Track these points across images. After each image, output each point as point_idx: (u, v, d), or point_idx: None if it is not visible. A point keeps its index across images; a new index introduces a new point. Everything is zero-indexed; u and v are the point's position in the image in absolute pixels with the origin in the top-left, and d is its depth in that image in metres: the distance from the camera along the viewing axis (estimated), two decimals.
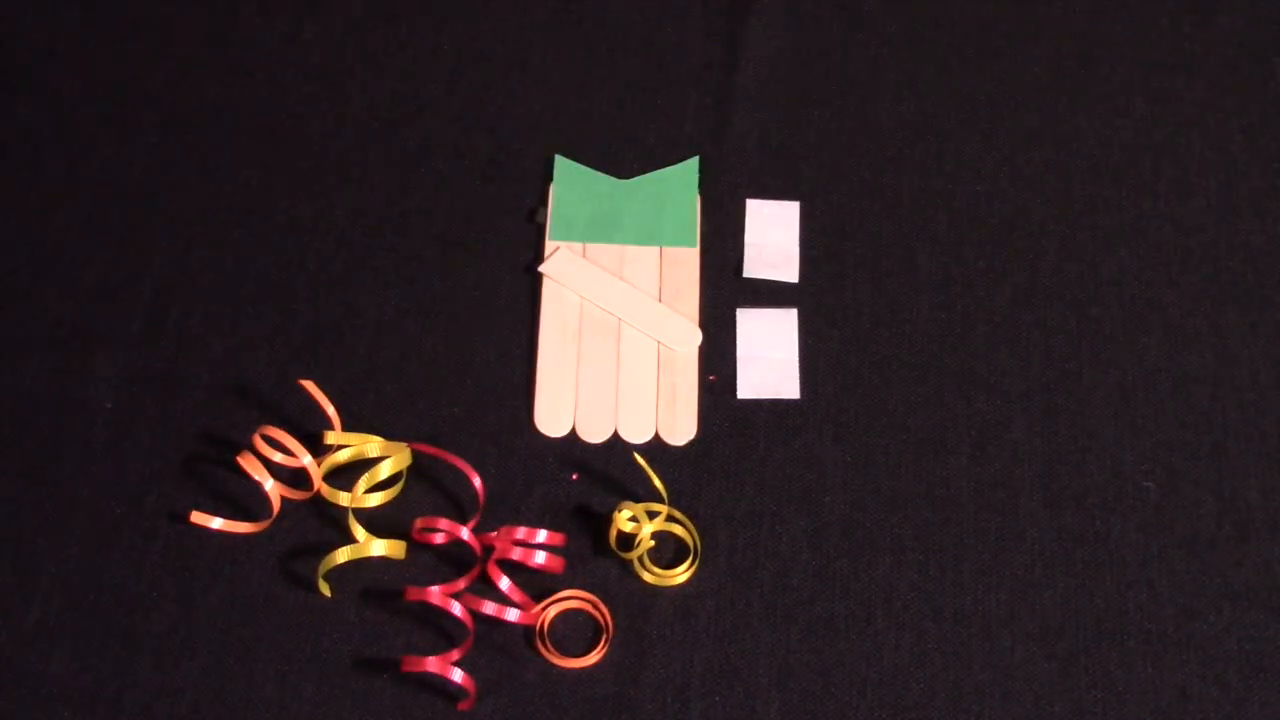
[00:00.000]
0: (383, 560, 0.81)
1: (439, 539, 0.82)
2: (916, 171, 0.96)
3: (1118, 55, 1.01)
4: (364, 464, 0.83)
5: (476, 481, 0.82)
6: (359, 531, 0.81)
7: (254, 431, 0.83)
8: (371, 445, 0.84)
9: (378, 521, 0.83)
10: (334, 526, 0.83)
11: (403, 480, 0.84)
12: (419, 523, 0.82)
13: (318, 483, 0.83)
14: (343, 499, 0.82)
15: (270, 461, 0.83)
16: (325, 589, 0.80)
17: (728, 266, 0.93)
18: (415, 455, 0.84)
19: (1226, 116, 0.99)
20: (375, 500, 0.83)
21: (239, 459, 0.82)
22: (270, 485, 0.82)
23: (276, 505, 0.82)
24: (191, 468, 0.85)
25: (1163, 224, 0.95)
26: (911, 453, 0.86)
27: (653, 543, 0.82)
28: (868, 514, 0.84)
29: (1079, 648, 0.80)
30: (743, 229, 0.94)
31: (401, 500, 0.84)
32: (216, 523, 0.82)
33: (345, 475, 0.84)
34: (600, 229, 0.94)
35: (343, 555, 0.79)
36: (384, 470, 0.82)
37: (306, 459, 0.82)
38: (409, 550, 0.81)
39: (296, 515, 0.84)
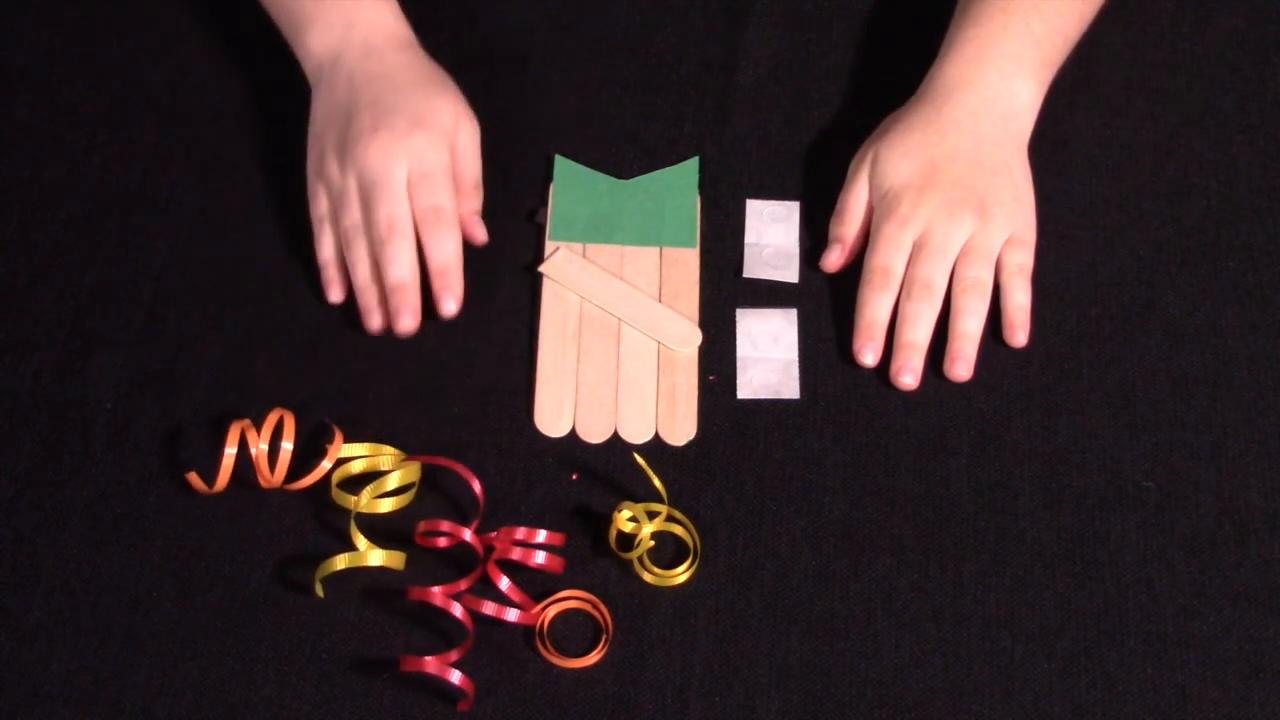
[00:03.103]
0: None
1: (442, 543, 0.82)
2: None
3: (1118, 55, 1.01)
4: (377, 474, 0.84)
5: (476, 487, 0.82)
6: (360, 540, 0.81)
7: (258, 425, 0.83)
8: (384, 458, 0.84)
9: (380, 525, 0.83)
10: (334, 531, 0.83)
11: (414, 489, 0.84)
12: (422, 526, 0.82)
13: (266, 475, 0.82)
14: (352, 503, 0.82)
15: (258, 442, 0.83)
16: (320, 590, 0.80)
17: (728, 267, 0.93)
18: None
19: (1226, 116, 0.99)
20: (385, 507, 0.83)
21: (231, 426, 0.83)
22: (230, 454, 0.82)
23: (226, 476, 0.82)
24: (191, 468, 0.85)
25: (1163, 224, 0.95)
26: (911, 453, 0.86)
27: (652, 543, 0.82)
28: (868, 514, 0.84)
29: (1079, 648, 0.80)
30: (742, 229, 0.94)
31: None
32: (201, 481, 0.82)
33: (358, 484, 0.83)
34: (600, 229, 0.94)
35: (341, 562, 0.79)
36: (391, 482, 0.82)
37: (257, 448, 0.82)
38: (411, 551, 0.81)
39: (297, 517, 0.84)
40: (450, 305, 0.88)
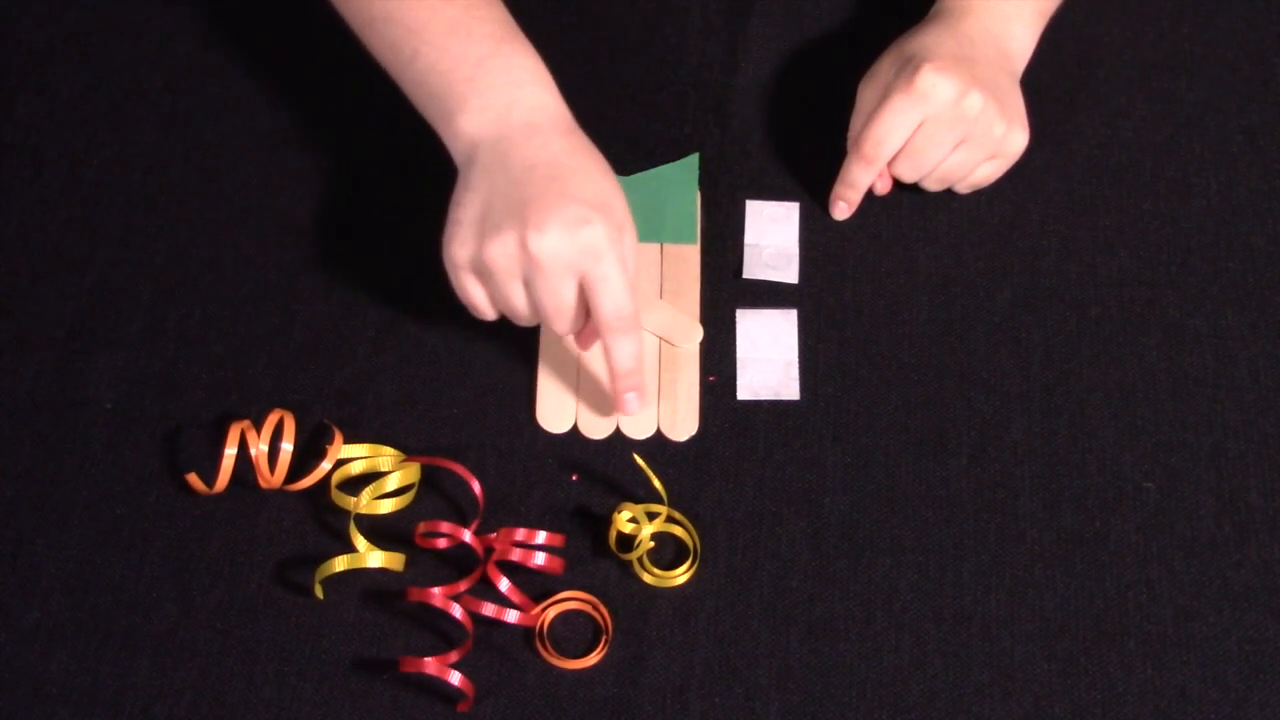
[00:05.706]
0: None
1: (442, 543, 0.82)
2: None
3: (1118, 55, 1.01)
4: (378, 475, 0.84)
5: (476, 488, 0.82)
6: (359, 541, 0.81)
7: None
8: (384, 459, 0.84)
9: (380, 525, 0.83)
10: (334, 532, 0.83)
11: (414, 490, 0.84)
12: (421, 527, 0.82)
13: (266, 476, 0.82)
14: (352, 504, 0.82)
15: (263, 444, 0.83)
16: (319, 592, 0.80)
17: (727, 267, 0.93)
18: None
19: (1226, 117, 0.99)
20: (385, 508, 0.83)
21: (231, 426, 0.83)
22: (230, 455, 0.82)
23: (225, 477, 0.82)
24: (191, 468, 0.85)
25: (1163, 224, 0.95)
26: (911, 453, 0.86)
27: (652, 544, 0.82)
28: (867, 515, 0.84)
29: (1079, 648, 0.80)
30: (742, 229, 0.94)
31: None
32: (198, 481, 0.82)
33: (357, 485, 0.84)
34: None
35: (340, 564, 0.79)
36: (390, 483, 0.82)
37: (257, 448, 0.82)
38: (411, 552, 0.81)
39: (297, 518, 0.84)
40: (634, 406, 0.84)
